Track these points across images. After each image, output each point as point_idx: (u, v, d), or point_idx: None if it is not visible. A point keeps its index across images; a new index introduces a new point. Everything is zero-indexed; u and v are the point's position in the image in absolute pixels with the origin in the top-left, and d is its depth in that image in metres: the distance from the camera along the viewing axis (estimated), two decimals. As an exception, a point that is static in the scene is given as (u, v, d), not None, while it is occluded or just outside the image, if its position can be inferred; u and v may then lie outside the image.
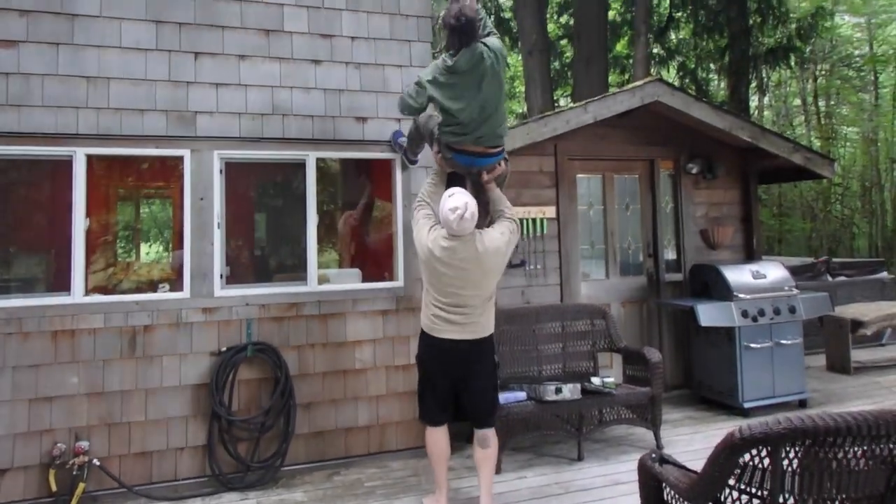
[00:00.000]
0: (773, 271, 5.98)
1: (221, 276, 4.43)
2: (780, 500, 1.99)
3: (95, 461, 3.97)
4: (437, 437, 3.74)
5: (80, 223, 4.12)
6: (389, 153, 4.85)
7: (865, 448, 1.97)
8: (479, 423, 3.72)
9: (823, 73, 19.32)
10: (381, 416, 4.71)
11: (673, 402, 5.95)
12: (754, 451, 1.97)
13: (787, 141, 6.65)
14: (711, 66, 16.85)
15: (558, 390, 4.47)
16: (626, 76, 16.57)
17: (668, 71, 16.70)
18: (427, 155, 4.55)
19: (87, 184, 4.19)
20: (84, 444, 3.97)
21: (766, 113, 20.62)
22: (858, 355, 7.21)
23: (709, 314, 5.53)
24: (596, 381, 4.80)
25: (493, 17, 15.30)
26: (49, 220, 4.98)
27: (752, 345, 5.55)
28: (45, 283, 4.80)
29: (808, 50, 15.86)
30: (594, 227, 6.39)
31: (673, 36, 16.62)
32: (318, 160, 4.73)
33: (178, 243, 4.52)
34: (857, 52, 19.13)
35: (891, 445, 1.98)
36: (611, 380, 4.82)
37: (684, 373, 6.35)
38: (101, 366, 4.10)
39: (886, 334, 8.04)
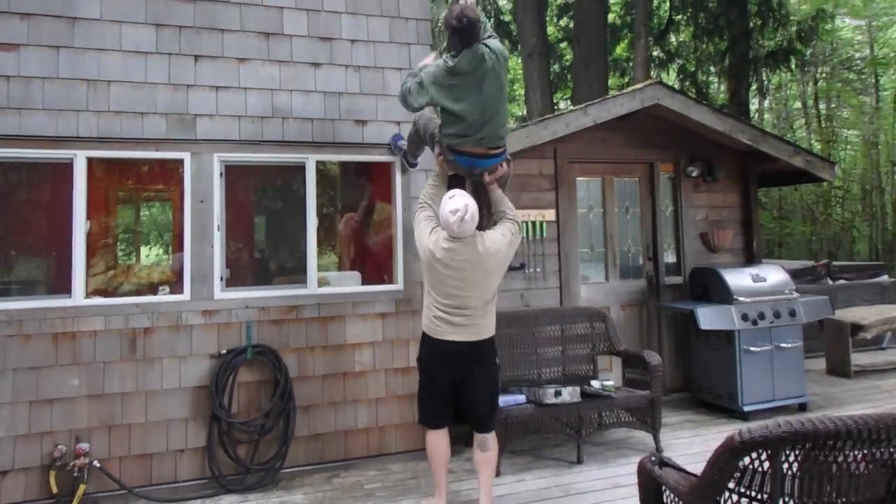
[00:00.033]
0: (773, 275, 5.98)
1: (221, 278, 4.43)
2: (780, 503, 1.99)
3: (96, 463, 3.97)
4: (438, 441, 3.74)
5: (80, 226, 4.13)
6: (389, 156, 4.85)
7: (866, 452, 1.97)
8: (479, 426, 3.72)
9: (824, 75, 19.31)
10: (380, 418, 4.71)
11: (672, 406, 5.94)
12: (754, 455, 1.97)
13: (788, 144, 6.66)
14: (711, 68, 16.87)
15: (558, 393, 4.47)
16: (626, 79, 16.59)
17: (668, 74, 16.71)
18: (426, 158, 4.56)
19: (88, 186, 4.20)
20: (84, 446, 3.98)
21: (766, 116, 20.63)
22: (858, 359, 7.20)
23: (708, 317, 5.52)
24: (595, 384, 4.80)
25: (492, 19, 15.31)
26: (50, 223, 4.99)
27: (752, 348, 5.55)
28: (46, 286, 4.80)
29: (808, 53, 15.86)
30: (594, 230, 6.40)
31: (673, 39, 16.65)
32: (318, 163, 4.74)
33: (178, 246, 4.53)
34: (857, 55, 19.12)
35: (891, 449, 1.98)
36: (610, 383, 4.82)
37: (684, 376, 6.35)
38: (101, 368, 4.11)
39: (886, 338, 8.03)
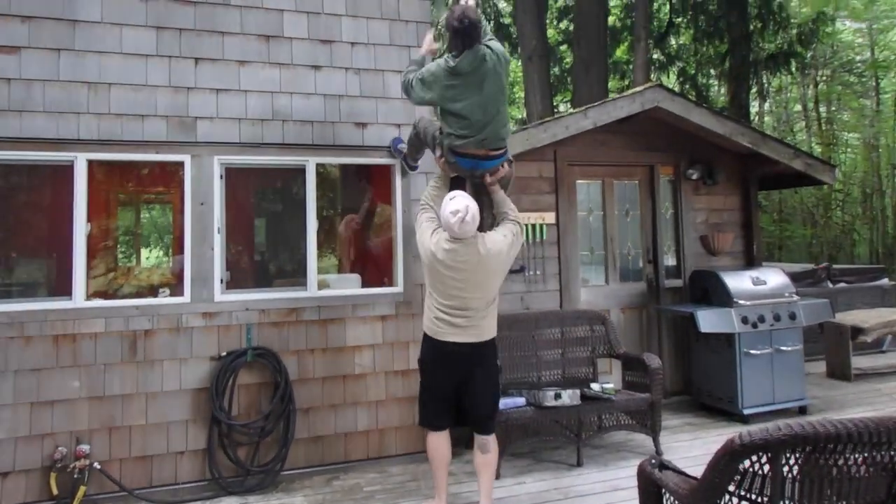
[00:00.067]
0: (774, 277, 5.98)
1: (222, 280, 4.43)
2: (780, 506, 1.99)
3: (96, 465, 3.98)
4: (438, 443, 3.74)
5: (81, 228, 4.13)
6: (389, 159, 4.86)
7: (866, 455, 1.97)
8: (480, 428, 3.72)
9: (824, 78, 19.32)
10: (380, 420, 4.71)
11: (672, 409, 5.94)
12: (754, 458, 1.97)
13: (788, 147, 6.65)
14: (712, 71, 16.90)
15: (557, 396, 4.47)
16: (626, 82, 16.61)
17: (669, 76, 16.73)
18: (426, 161, 4.56)
19: (88, 189, 4.21)
20: (85, 448, 3.98)
21: (766, 119, 20.64)
22: (859, 362, 7.19)
23: (709, 320, 5.52)
24: (595, 386, 4.80)
25: (492, 22, 15.35)
26: (50, 225, 4.99)
27: (752, 351, 5.54)
28: (47, 288, 4.80)
29: (808, 55, 15.86)
30: (594, 232, 6.40)
31: (673, 41, 16.67)
32: (318, 166, 4.75)
33: (179, 248, 4.53)
34: (858, 58, 19.13)
35: (892, 452, 1.98)
36: (610, 386, 4.82)
37: (684, 379, 6.34)
38: (101, 370, 4.11)
39: (887, 341, 8.02)
